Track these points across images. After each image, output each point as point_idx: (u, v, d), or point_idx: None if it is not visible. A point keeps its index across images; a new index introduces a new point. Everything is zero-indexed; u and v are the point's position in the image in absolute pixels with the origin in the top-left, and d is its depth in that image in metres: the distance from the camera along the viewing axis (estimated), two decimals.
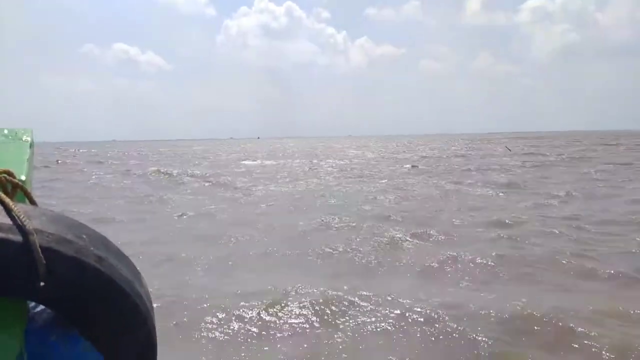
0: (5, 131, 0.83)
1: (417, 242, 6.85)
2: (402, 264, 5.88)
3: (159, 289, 4.53)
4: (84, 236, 0.65)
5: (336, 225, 8.07)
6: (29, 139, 0.82)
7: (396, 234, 7.12)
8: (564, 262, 5.73)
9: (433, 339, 3.81)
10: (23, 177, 0.73)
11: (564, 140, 57.36)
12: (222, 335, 3.95)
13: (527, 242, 6.78)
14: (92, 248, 0.64)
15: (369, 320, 4.13)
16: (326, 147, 57.36)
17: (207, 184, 16.63)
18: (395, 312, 4.26)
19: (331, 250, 6.34)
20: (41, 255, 0.58)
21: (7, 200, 0.64)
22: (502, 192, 12.50)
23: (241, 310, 4.34)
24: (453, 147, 48.55)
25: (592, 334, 3.79)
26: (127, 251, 0.73)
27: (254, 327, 4.06)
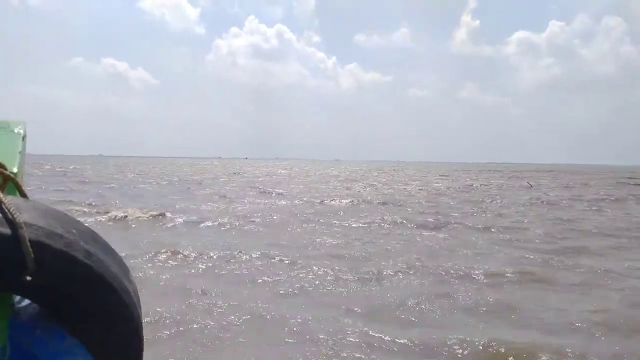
0: None
1: None
2: None
3: None
4: (74, 230, 0.64)
5: None
6: (21, 131, 0.80)
7: None
8: None
9: None
10: (15, 170, 0.72)
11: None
12: None
13: None
14: (81, 242, 0.63)
15: None
16: (335, 175, 48.16)
17: None
18: None
19: None
20: (30, 248, 0.57)
21: None
22: None
23: None
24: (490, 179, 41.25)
25: None
26: None
27: None
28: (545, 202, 19.18)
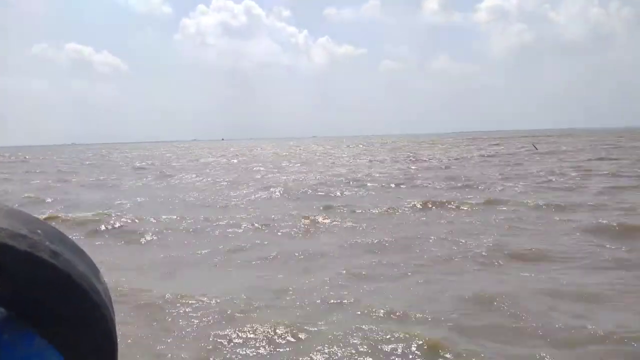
0: None
1: None
2: None
3: None
4: (39, 231, 0.62)
5: None
6: None
7: None
8: None
9: None
10: None
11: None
12: None
13: None
14: (47, 243, 0.61)
15: None
16: (323, 151, 49.24)
17: None
18: None
19: None
20: None
21: None
22: None
23: None
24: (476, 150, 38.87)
25: None
26: None
27: None
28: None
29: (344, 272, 6.21)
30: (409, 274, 6.14)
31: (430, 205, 11.09)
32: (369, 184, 16.07)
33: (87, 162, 40.38)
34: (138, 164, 34.63)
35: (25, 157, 54.32)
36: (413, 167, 23.25)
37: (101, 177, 23.29)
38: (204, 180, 20.38)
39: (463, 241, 7.56)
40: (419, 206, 11.02)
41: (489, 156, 29.94)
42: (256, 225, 9.52)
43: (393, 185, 15.65)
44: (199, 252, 7.62)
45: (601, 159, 23.76)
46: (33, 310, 0.63)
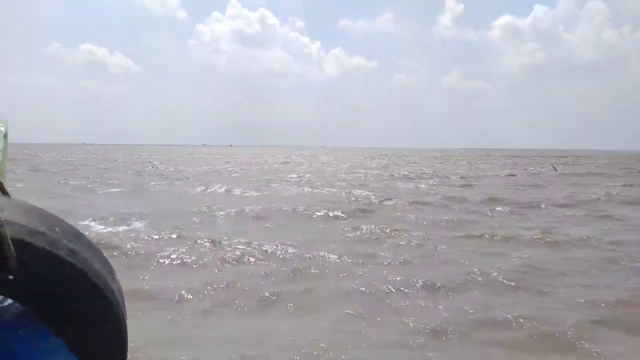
0: None
1: None
2: None
3: None
4: (57, 229, 0.62)
5: None
6: (3, 128, 0.76)
7: None
8: None
9: None
10: None
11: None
12: None
13: None
14: (65, 241, 0.62)
15: None
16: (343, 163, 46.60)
17: None
18: None
19: None
20: (12, 247, 0.56)
21: None
22: None
23: None
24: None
25: None
26: None
27: None
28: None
29: None
30: None
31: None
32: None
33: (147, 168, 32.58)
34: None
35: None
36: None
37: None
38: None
39: None
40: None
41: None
42: None
43: None
44: None
45: None
46: (48, 308, 0.63)
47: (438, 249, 8.16)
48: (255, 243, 8.14)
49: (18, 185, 16.86)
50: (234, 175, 27.52)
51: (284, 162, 46.57)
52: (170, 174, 26.84)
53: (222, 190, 18.06)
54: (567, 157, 71.28)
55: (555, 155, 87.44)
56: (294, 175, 26.69)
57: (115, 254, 7.22)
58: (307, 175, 27.09)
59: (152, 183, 20.97)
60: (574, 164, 42.87)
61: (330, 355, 4.14)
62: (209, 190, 18.16)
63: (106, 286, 0.65)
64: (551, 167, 29.63)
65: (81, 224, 9.70)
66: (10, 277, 0.56)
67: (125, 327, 0.70)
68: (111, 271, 0.70)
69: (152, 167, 34.73)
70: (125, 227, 9.75)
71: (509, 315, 5.03)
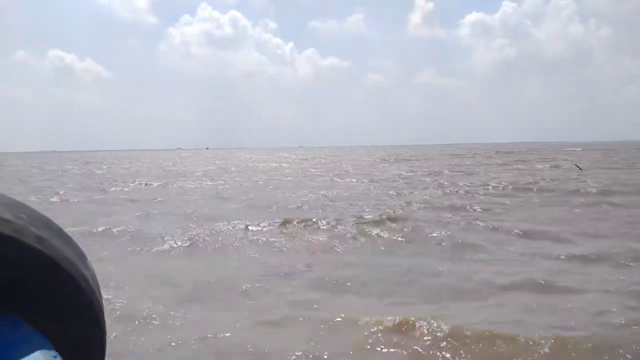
0: None
1: None
2: None
3: None
4: (23, 216, 0.60)
5: None
6: None
7: None
8: None
9: None
10: None
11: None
12: None
13: None
14: (32, 228, 0.60)
15: None
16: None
17: None
18: None
19: None
20: None
21: None
22: None
23: None
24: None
25: None
26: None
27: None
28: None
29: None
30: None
31: None
32: None
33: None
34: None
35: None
36: None
37: None
38: None
39: None
40: None
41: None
42: None
43: None
44: None
45: None
46: (19, 297, 0.61)
47: None
48: None
49: None
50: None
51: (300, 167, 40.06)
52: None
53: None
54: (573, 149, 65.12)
55: (532, 148, 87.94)
56: (354, 180, 21.38)
57: None
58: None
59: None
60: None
61: None
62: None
63: (78, 273, 0.64)
64: (576, 166, 26.67)
65: None
66: None
67: (102, 314, 0.68)
68: (83, 258, 0.68)
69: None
70: None
71: None
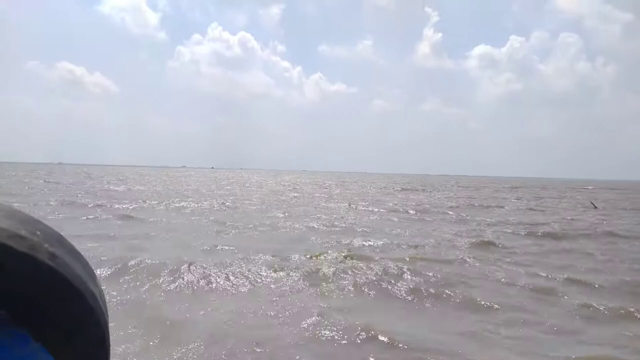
0: None
1: None
2: None
3: None
4: (38, 232, 0.62)
5: None
6: None
7: None
8: None
9: None
10: None
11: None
12: None
13: None
14: (46, 245, 0.61)
15: None
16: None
17: None
18: None
19: None
20: None
21: None
22: None
23: None
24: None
25: None
26: None
27: None
28: None
29: None
30: None
31: None
32: None
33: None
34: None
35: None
36: None
37: None
38: None
39: None
40: None
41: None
42: None
43: None
44: None
45: None
46: (28, 312, 0.62)
47: None
48: None
49: None
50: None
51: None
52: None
53: None
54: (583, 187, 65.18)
55: (532, 183, 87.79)
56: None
57: None
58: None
59: None
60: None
61: None
62: None
63: (87, 291, 0.65)
64: (591, 204, 27.04)
65: None
66: None
67: (107, 332, 0.69)
68: (93, 275, 0.69)
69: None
70: None
71: None
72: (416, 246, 11.12)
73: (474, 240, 12.16)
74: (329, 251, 9.95)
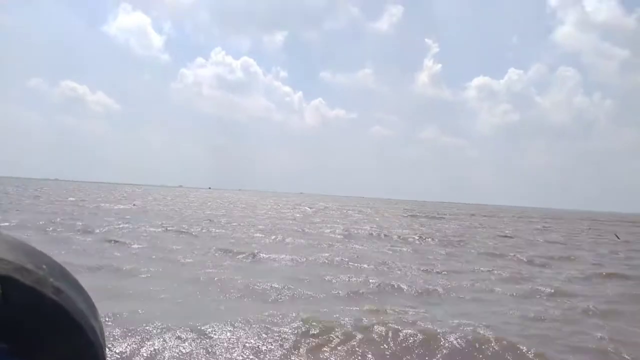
0: None
1: None
2: None
3: None
4: (44, 266, 0.62)
5: None
6: None
7: None
8: None
9: None
10: None
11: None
12: None
13: None
14: (51, 279, 0.62)
15: None
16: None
17: None
18: None
19: None
20: None
21: None
22: None
23: None
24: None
25: None
26: None
27: None
28: None
29: None
30: None
31: None
32: None
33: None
34: None
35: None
36: None
37: None
38: None
39: None
40: None
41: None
42: None
43: None
44: None
45: None
46: (30, 345, 0.62)
47: None
48: None
49: None
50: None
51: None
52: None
53: None
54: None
55: (544, 214, 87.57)
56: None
57: None
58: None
59: None
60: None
61: None
62: None
63: (88, 325, 0.65)
64: (615, 236, 27.88)
65: None
66: None
67: None
68: (94, 310, 0.69)
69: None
70: None
71: None
72: None
73: None
74: None
